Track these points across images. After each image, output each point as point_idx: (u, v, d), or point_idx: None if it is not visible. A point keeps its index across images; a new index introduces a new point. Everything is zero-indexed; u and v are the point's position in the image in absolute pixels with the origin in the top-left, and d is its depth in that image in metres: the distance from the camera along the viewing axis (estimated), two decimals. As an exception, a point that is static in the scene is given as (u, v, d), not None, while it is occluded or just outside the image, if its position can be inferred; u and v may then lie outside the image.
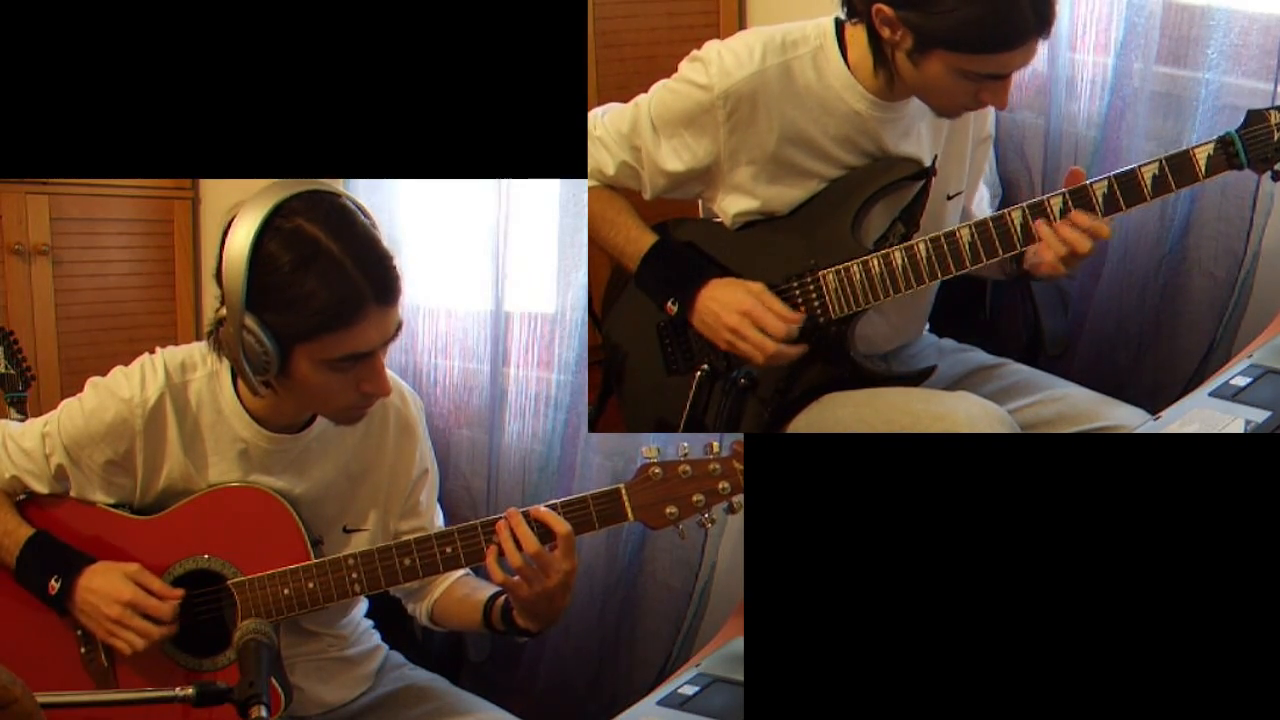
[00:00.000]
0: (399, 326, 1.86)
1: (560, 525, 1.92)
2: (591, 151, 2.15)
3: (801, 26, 2.04)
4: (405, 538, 1.99)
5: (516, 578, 1.92)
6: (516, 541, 1.91)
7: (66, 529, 2.00)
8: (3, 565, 1.99)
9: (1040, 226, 1.93)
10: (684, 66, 2.07)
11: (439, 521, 2.15)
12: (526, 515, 1.92)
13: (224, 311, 1.81)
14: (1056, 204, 1.94)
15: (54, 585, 1.95)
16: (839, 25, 2.02)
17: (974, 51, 1.87)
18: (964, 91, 1.93)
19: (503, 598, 2.01)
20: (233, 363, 1.89)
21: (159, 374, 1.97)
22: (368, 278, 1.79)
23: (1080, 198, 1.92)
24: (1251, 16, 2.18)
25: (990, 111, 2.19)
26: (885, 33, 1.92)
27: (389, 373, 2.05)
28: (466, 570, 2.11)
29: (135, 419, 1.96)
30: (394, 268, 1.84)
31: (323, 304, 1.78)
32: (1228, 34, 2.19)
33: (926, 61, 1.91)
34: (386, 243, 1.87)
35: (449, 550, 1.95)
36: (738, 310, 2.05)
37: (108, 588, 1.94)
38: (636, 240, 2.15)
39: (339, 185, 2.71)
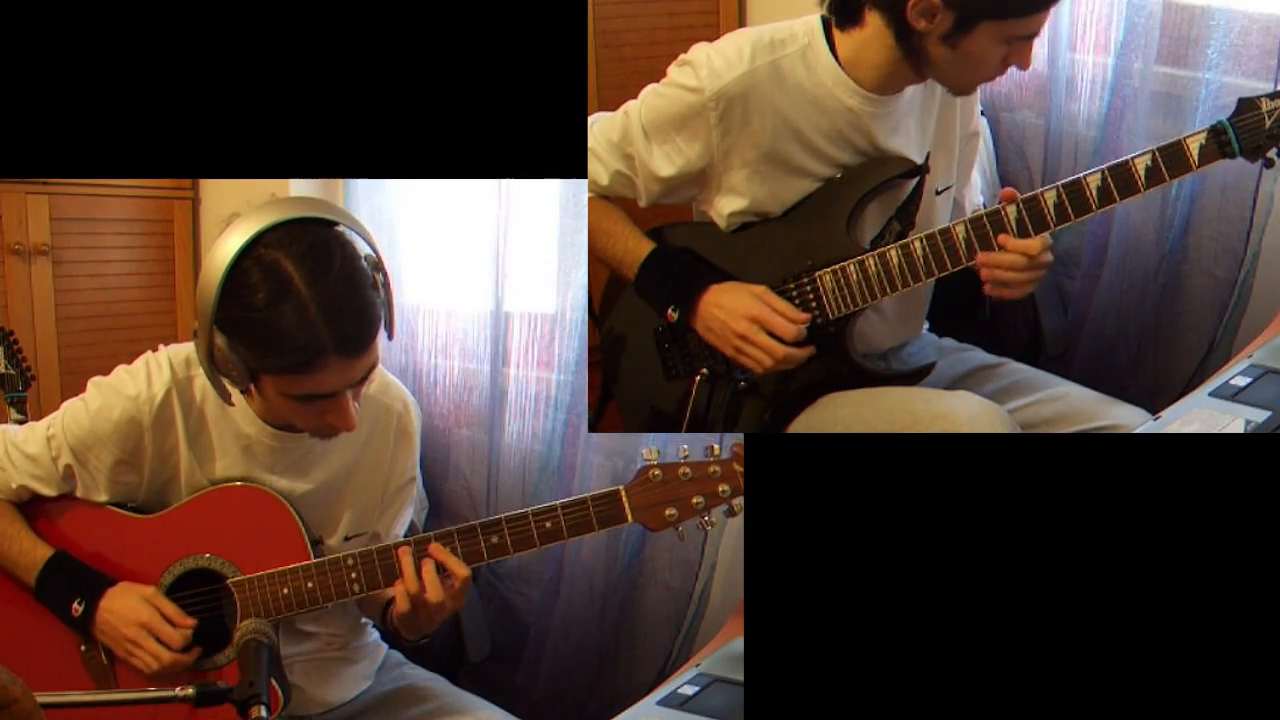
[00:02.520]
0: (373, 366, 1.85)
1: (460, 569, 1.93)
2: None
3: (789, 25, 2.04)
4: (396, 540, 1.99)
5: (406, 607, 1.94)
6: (422, 577, 1.93)
7: (69, 531, 2.00)
8: (19, 583, 2.00)
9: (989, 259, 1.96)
10: (673, 71, 2.07)
11: (396, 531, 2.15)
12: (426, 550, 1.94)
13: (196, 325, 1.81)
14: (1050, 197, 1.94)
15: (77, 608, 1.95)
16: (826, 22, 2.02)
17: (1021, 14, 1.89)
18: (995, 60, 1.94)
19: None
20: (204, 372, 1.88)
21: (164, 370, 1.97)
22: (330, 328, 1.76)
23: (1075, 193, 1.92)
24: (1251, 16, 2.18)
25: (976, 106, 2.20)
26: (921, 24, 1.92)
27: (392, 378, 2.07)
28: None
29: (143, 416, 1.96)
30: (368, 317, 1.80)
31: (283, 350, 1.77)
32: (1228, 34, 2.19)
33: (968, 39, 1.90)
34: (386, 278, 1.84)
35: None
36: (745, 316, 2.05)
37: (125, 610, 1.95)
38: (634, 249, 2.15)
39: (339, 188, 2.73)
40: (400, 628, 2.00)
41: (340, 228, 1.82)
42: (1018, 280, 1.96)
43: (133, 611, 1.95)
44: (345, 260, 1.80)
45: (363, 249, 1.83)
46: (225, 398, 1.91)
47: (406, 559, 1.93)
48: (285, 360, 1.78)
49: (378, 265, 1.84)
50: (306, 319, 1.75)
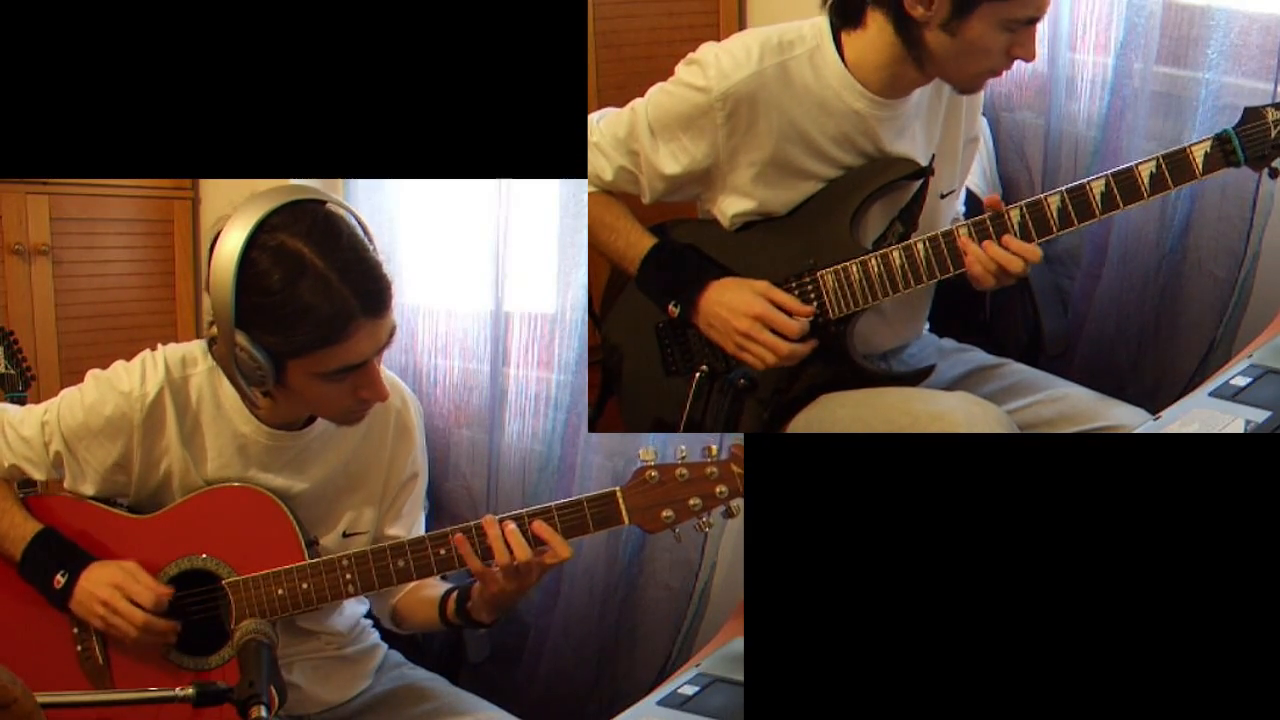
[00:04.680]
0: (393, 331, 1.87)
1: (564, 551, 1.92)
2: (588, 158, 2.15)
3: (797, 27, 2.04)
4: (395, 541, 1.99)
5: (495, 571, 1.92)
6: (509, 546, 1.91)
7: (63, 528, 2.00)
8: (6, 558, 2.00)
9: (971, 246, 1.96)
10: (681, 69, 2.07)
11: (419, 529, 2.15)
12: (523, 523, 1.93)
13: (214, 330, 1.82)
14: (1054, 202, 1.94)
15: (60, 579, 1.96)
16: (835, 24, 2.02)
17: None
18: (998, 50, 1.92)
19: (455, 592, 2.03)
20: (228, 377, 1.90)
21: (159, 369, 1.97)
22: (355, 292, 1.79)
23: (1079, 198, 1.93)
24: (1251, 16, 2.18)
25: (979, 112, 2.20)
26: (918, 11, 1.91)
27: (391, 375, 2.07)
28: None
29: (134, 413, 1.96)
30: (382, 277, 1.84)
31: (312, 323, 1.78)
32: (1228, 34, 2.19)
33: (966, 25, 1.90)
34: (377, 246, 1.87)
35: (443, 552, 1.95)
36: (748, 314, 2.05)
37: (100, 575, 1.95)
38: (636, 244, 2.15)
39: (339, 188, 2.73)
40: (484, 607, 1.99)
41: (330, 205, 1.85)
42: (1001, 278, 1.96)
43: (107, 576, 1.95)
44: (349, 229, 1.84)
45: (353, 221, 1.86)
46: (252, 404, 1.94)
47: (496, 537, 1.91)
48: (317, 333, 1.79)
49: (368, 233, 1.87)
50: (329, 289, 1.78)
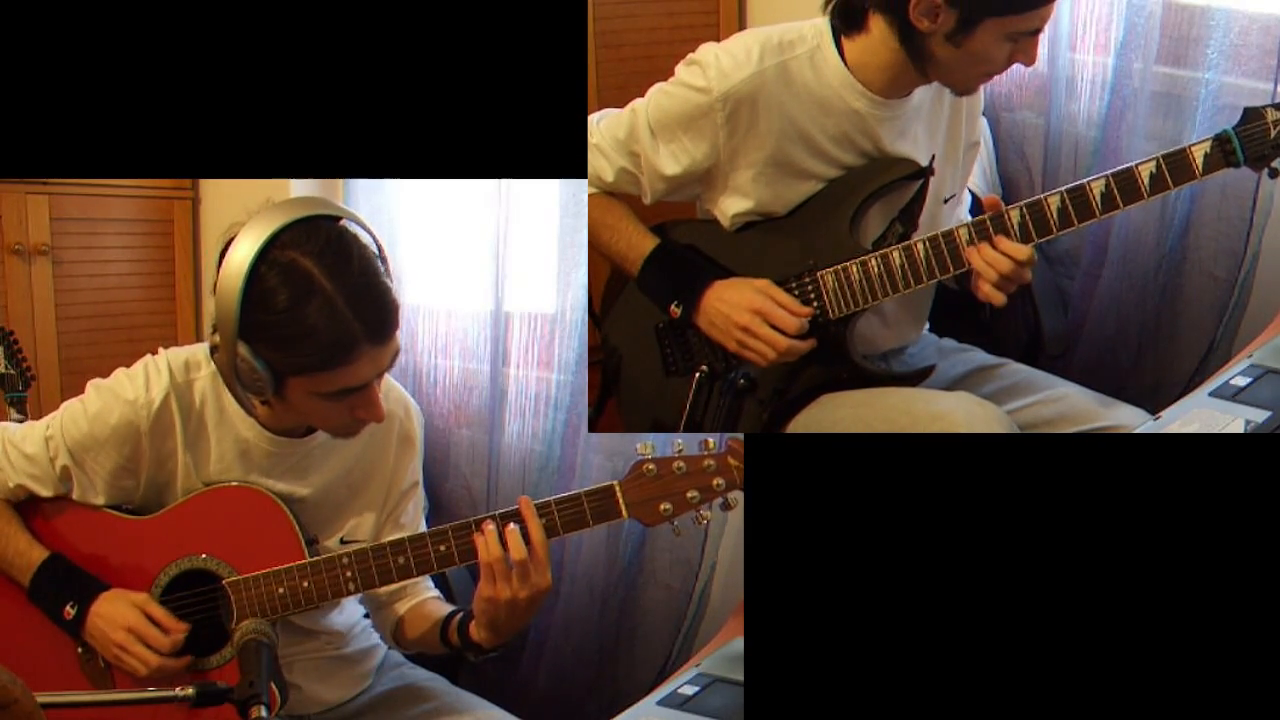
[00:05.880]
0: (395, 355, 1.86)
1: (537, 532, 1.90)
2: (589, 159, 2.15)
3: (798, 27, 2.04)
4: (399, 536, 1.99)
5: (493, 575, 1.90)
6: (503, 542, 1.90)
7: (65, 531, 2.00)
8: (14, 583, 1.99)
9: (972, 254, 1.96)
10: (680, 70, 2.07)
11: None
12: (517, 515, 1.92)
13: (217, 338, 1.82)
14: (1054, 202, 1.94)
15: (70, 611, 1.95)
16: (836, 28, 2.02)
17: (1024, 10, 1.89)
18: (1000, 58, 1.93)
19: (459, 615, 2.01)
20: (226, 384, 1.90)
21: (163, 374, 1.97)
22: (360, 318, 1.78)
23: (1079, 198, 1.93)
24: (1251, 16, 2.18)
25: (980, 116, 2.20)
26: (924, 24, 1.91)
27: (393, 383, 2.06)
28: (437, 594, 2.13)
29: (141, 420, 1.95)
30: (390, 303, 1.83)
31: (314, 346, 1.77)
32: (1228, 34, 2.19)
33: (972, 37, 1.90)
34: (389, 268, 1.85)
35: (443, 548, 1.94)
36: (748, 309, 2.05)
37: (114, 615, 1.95)
38: (637, 245, 2.15)
39: (339, 188, 2.73)
40: (485, 626, 1.95)
41: (345, 221, 1.84)
42: (1005, 285, 1.96)
43: (121, 617, 1.94)
44: (361, 251, 1.82)
45: (368, 240, 1.85)
46: (249, 410, 1.94)
47: (491, 533, 1.89)
48: (319, 357, 1.78)
49: (382, 255, 1.86)
50: (335, 313, 1.77)
